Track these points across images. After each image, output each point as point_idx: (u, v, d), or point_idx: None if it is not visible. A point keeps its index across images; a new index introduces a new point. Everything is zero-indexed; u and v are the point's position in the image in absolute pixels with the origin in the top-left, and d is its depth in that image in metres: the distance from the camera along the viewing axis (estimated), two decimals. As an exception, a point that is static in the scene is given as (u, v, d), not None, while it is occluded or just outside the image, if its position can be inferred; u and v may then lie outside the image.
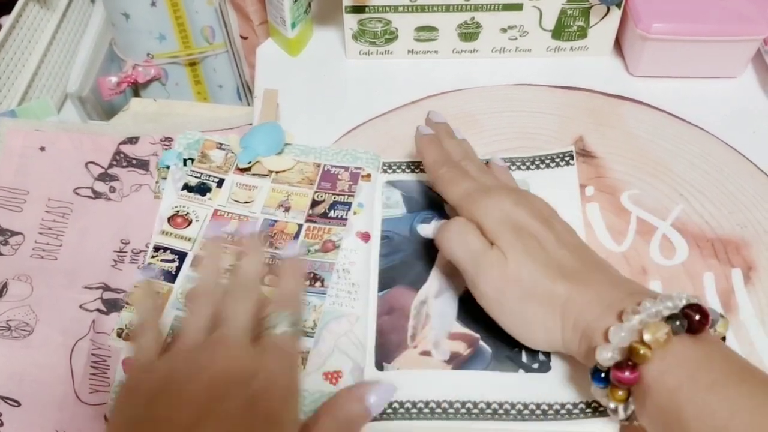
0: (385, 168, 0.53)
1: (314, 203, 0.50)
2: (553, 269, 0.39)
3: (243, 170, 0.51)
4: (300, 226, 0.49)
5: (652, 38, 0.57)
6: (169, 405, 0.32)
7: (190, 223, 0.48)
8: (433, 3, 0.58)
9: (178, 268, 0.46)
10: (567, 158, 0.53)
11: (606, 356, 0.35)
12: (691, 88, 0.59)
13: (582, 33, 0.61)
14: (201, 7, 0.74)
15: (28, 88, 0.63)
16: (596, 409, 0.40)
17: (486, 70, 0.61)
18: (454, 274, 0.46)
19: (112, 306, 0.46)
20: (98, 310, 0.46)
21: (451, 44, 0.61)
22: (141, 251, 0.49)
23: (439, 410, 0.41)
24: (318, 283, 0.45)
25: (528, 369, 0.42)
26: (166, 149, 0.54)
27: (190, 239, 0.47)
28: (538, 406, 0.40)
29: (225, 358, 0.34)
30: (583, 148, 0.55)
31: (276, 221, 0.49)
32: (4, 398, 0.42)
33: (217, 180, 0.50)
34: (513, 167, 0.52)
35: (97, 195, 0.52)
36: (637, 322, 0.35)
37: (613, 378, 0.35)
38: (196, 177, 0.50)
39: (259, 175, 0.51)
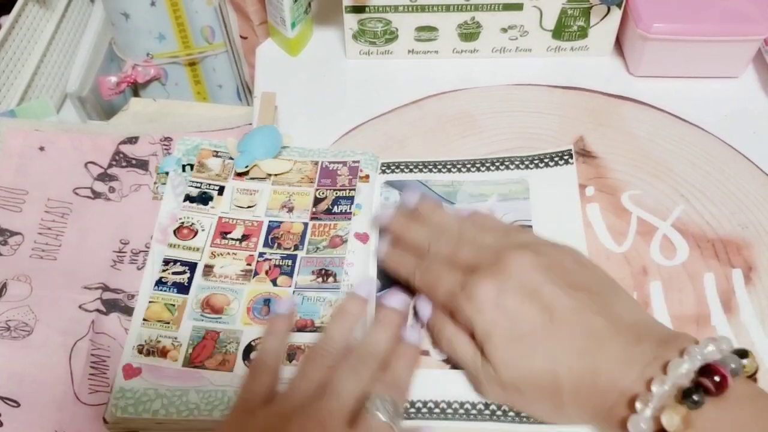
0: (383, 168, 0.53)
1: (317, 201, 0.50)
2: (555, 358, 0.36)
3: (242, 175, 0.51)
4: (305, 224, 0.49)
5: (653, 38, 0.56)
6: None
7: (196, 233, 0.48)
8: (434, 3, 0.58)
9: (190, 279, 0.46)
10: (566, 157, 0.53)
11: None
12: (692, 88, 0.59)
13: (582, 33, 0.60)
14: (201, 7, 0.74)
15: (27, 87, 0.63)
16: None
17: (486, 70, 0.61)
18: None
19: (112, 306, 0.46)
20: (98, 310, 0.46)
21: (451, 44, 0.61)
22: (140, 251, 0.49)
23: (437, 410, 0.41)
24: (330, 279, 0.46)
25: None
26: (166, 154, 0.54)
27: (198, 249, 0.47)
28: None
29: None
30: (583, 148, 0.55)
31: (281, 222, 0.49)
32: (3, 398, 0.42)
33: (217, 188, 0.50)
34: (512, 166, 0.52)
35: (96, 195, 0.52)
36: (651, 411, 0.33)
37: None
38: (196, 187, 0.50)
39: (257, 178, 0.51)
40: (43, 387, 0.43)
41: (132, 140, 0.55)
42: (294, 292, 0.45)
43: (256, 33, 0.65)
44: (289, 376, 0.39)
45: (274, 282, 0.46)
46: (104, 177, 0.53)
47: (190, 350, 0.42)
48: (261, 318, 0.44)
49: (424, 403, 0.41)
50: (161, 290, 0.45)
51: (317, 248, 0.47)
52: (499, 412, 0.40)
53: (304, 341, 0.43)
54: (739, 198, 0.51)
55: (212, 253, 0.47)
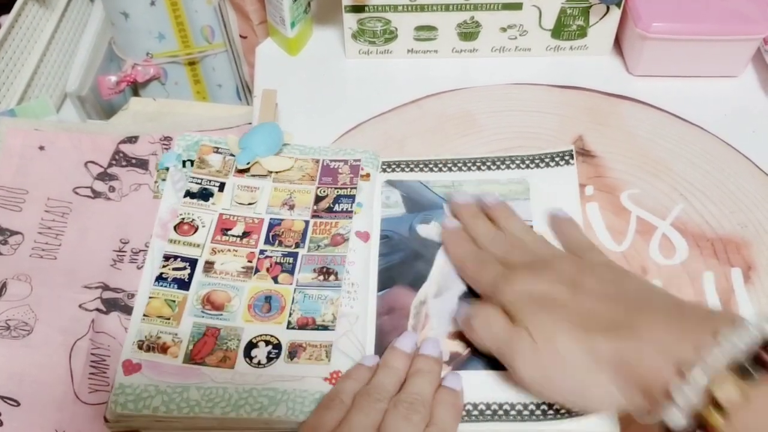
0: (384, 167, 0.53)
1: (318, 199, 0.50)
2: (591, 328, 0.36)
3: (242, 172, 0.51)
4: (306, 222, 0.49)
5: (652, 37, 0.57)
6: None
7: (196, 229, 0.48)
8: (433, 2, 0.58)
9: (191, 275, 0.46)
10: (567, 157, 0.53)
11: (676, 420, 0.32)
12: (691, 88, 0.59)
13: (582, 32, 0.61)
14: (200, 7, 0.74)
15: (27, 87, 0.63)
16: None
17: (485, 70, 0.61)
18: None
19: (112, 305, 0.46)
20: (98, 309, 0.46)
21: (450, 43, 0.61)
22: (140, 251, 0.49)
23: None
24: (332, 277, 0.46)
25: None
26: (166, 150, 0.54)
27: (198, 245, 0.47)
28: (538, 406, 0.40)
29: None
30: (582, 147, 0.55)
31: (282, 220, 0.49)
32: (3, 398, 0.42)
33: (218, 184, 0.50)
34: (513, 166, 0.52)
35: (96, 194, 0.52)
36: (702, 380, 0.31)
37: None
38: (197, 183, 0.50)
39: (258, 176, 0.51)
40: (43, 386, 0.43)
41: (132, 140, 0.55)
42: (295, 289, 0.45)
43: (255, 32, 0.65)
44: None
45: (275, 279, 0.46)
46: (104, 176, 0.53)
47: (191, 346, 0.42)
48: (262, 315, 0.44)
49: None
50: (161, 286, 0.45)
51: (318, 246, 0.47)
52: (501, 412, 0.40)
53: (306, 339, 0.43)
54: (739, 197, 0.52)
55: (213, 250, 0.47)
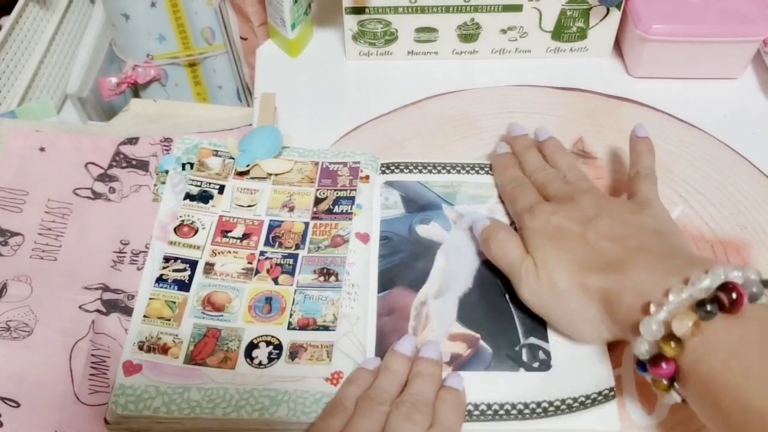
0: (383, 169, 0.53)
1: (317, 200, 0.50)
2: (587, 264, 0.40)
3: (242, 174, 0.51)
4: (306, 224, 0.49)
5: (652, 39, 0.57)
6: None
7: (196, 231, 0.48)
8: (433, 4, 0.58)
9: (191, 277, 0.46)
10: None
11: (641, 350, 0.35)
12: (691, 90, 0.59)
13: (582, 34, 0.61)
14: (201, 8, 0.74)
15: (28, 88, 0.63)
16: (595, 400, 0.40)
17: (486, 71, 0.62)
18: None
19: (112, 306, 0.46)
20: (98, 310, 0.46)
21: (450, 45, 0.61)
22: (140, 252, 0.49)
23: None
24: (332, 278, 0.46)
25: (529, 368, 0.42)
26: (166, 152, 0.54)
27: (198, 247, 0.47)
28: (538, 404, 0.40)
29: None
30: (582, 149, 0.55)
31: (282, 222, 0.49)
32: (3, 399, 0.42)
33: (218, 187, 0.51)
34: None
35: (96, 195, 0.52)
36: (664, 314, 0.34)
37: (651, 372, 0.35)
38: (196, 185, 0.50)
39: (258, 178, 0.51)
40: (43, 387, 0.43)
41: (132, 141, 0.55)
42: (296, 290, 0.45)
43: (256, 34, 0.65)
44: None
45: (275, 280, 0.46)
46: (104, 177, 0.53)
47: (191, 347, 0.42)
48: (262, 316, 0.44)
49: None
50: (162, 287, 0.45)
51: (318, 247, 0.47)
52: (501, 412, 0.40)
53: (307, 339, 0.43)
54: (738, 199, 0.52)
55: (213, 251, 0.47)
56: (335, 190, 0.51)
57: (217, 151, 0.53)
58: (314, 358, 0.42)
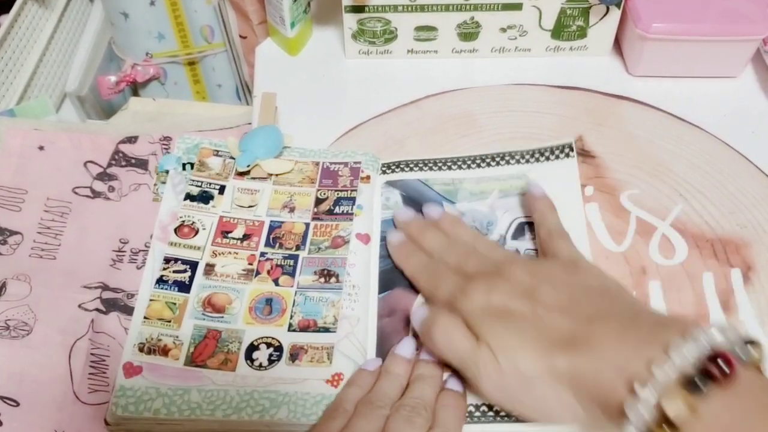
0: (384, 168, 0.53)
1: (318, 201, 0.50)
2: (548, 344, 0.36)
3: (243, 175, 0.51)
4: (307, 225, 0.49)
5: (652, 38, 0.57)
6: None
7: (197, 232, 0.48)
8: (433, 2, 0.58)
9: (191, 278, 0.46)
10: (567, 150, 0.53)
11: None
12: (691, 88, 0.59)
13: (581, 33, 0.61)
14: (200, 7, 0.74)
15: (26, 87, 0.63)
16: None
17: (485, 70, 0.61)
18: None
19: (111, 305, 0.46)
20: (97, 309, 0.46)
21: (450, 44, 0.61)
22: (140, 251, 0.49)
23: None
24: (333, 279, 0.46)
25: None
26: (165, 153, 0.54)
27: (199, 248, 0.47)
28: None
29: None
30: (582, 147, 0.55)
31: (282, 222, 0.49)
32: (3, 398, 0.42)
33: (218, 187, 0.50)
34: (512, 161, 0.52)
35: (95, 194, 0.52)
36: (653, 397, 0.31)
37: None
38: (197, 186, 0.50)
39: (258, 178, 0.51)
40: (43, 386, 0.43)
41: (131, 140, 0.55)
42: (296, 292, 0.45)
43: (255, 32, 0.65)
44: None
45: (275, 282, 0.46)
46: (104, 176, 0.53)
47: (192, 349, 0.42)
48: (263, 317, 0.44)
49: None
50: (162, 288, 0.45)
51: (319, 248, 0.47)
52: (502, 413, 0.40)
53: (307, 341, 0.43)
54: (738, 198, 0.52)
55: (213, 252, 0.47)
56: (336, 190, 0.51)
57: (217, 151, 0.53)
58: (315, 359, 0.42)
